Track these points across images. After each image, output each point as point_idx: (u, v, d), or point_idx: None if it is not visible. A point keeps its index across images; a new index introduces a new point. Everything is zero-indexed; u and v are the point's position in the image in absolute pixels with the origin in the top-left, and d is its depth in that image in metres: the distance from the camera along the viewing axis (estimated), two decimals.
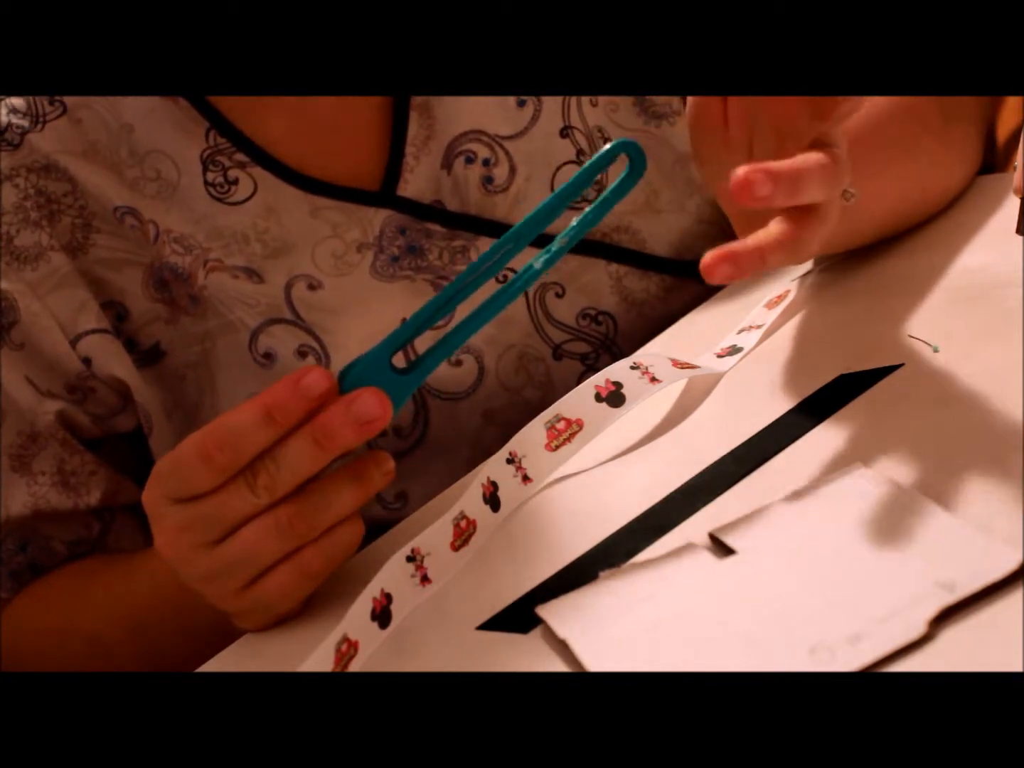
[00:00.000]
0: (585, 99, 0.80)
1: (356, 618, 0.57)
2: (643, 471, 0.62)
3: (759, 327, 0.69)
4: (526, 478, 0.64)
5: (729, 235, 0.62)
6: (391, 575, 0.59)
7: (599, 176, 0.75)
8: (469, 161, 0.79)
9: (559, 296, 0.80)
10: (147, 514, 0.61)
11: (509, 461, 0.64)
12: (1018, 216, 0.63)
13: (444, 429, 0.80)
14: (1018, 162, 0.64)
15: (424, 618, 0.59)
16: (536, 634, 0.53)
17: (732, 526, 0.53)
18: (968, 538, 0.46)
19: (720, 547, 0.52)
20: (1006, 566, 0.44)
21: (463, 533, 0.62)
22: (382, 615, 0.58)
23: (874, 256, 0.72)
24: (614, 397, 0.65)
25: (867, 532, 0.49)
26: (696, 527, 0.55)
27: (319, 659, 0.55)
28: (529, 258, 0.60)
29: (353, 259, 0.78)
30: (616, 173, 0.60)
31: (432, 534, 0.61)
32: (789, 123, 0.57)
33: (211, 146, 0.77)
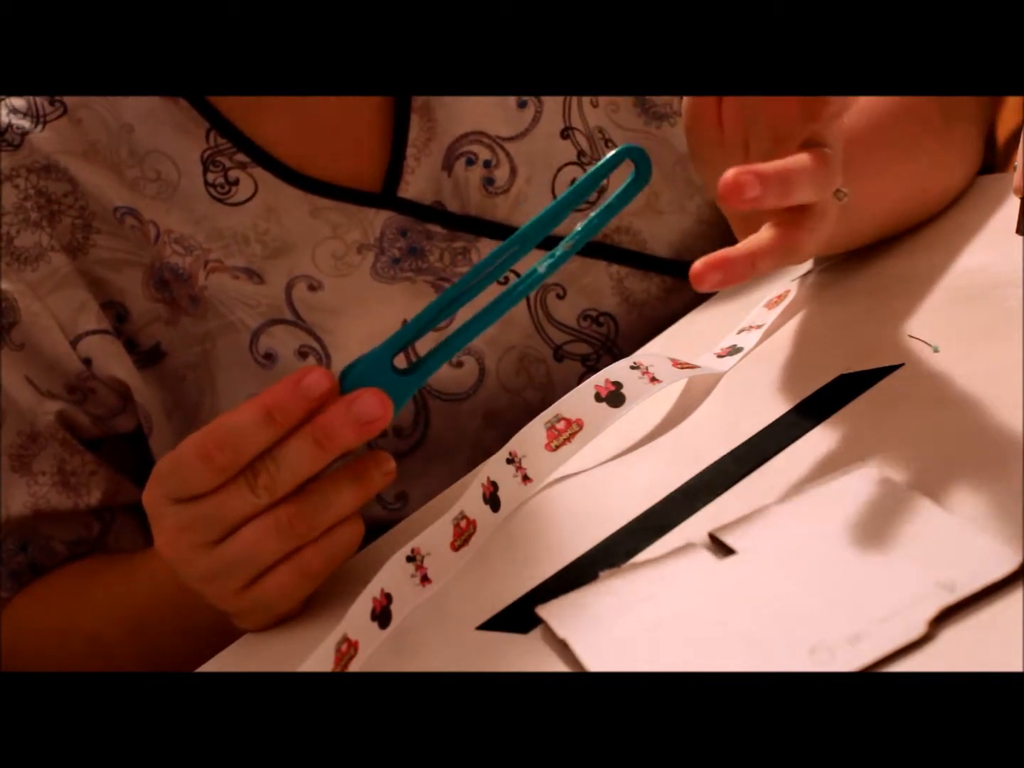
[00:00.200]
0: (586, 100, 0.80)
1: (356, 618, 0.57)
2: (643, 471, 0.62)
3: (759, 327, 0.69)
4: (526, 478, 0.64)
5: (729, 236, 0.62)
6: (391, 575, 0.59)
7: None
8: (470, 163, 0.79)
9: (560, 297, 0.80)
10: (147, 514, 0.61)
11: (509, 461, 0.64)
12: (1018, 216, 0.63)
13: (445, 430, 0.80)
14: (1018, 162, 0.64)
15: (424, 618, 0.59)
16: (536, 634, 0.53)
17: (732, 526, 0.53)
18: (968, 538, 0.46)
19: (720, 547, 0.52)
20: (1006, 566, 0.44)
21: (463, 533, 0.62)
22: (382, 615, 0.58)
23: (874, 256, 0.72)
24: (614, 397, 0.65)
25: (867, 532, 0.49)
26: (696, 527, 0.55)
27: (319, 659, 0.55)
28: (532, 261, 0.60)
29: (353, 260, 0.78)
30: (618, 176, 0.60)
31: (432, 534, 0.61)
32: (783, 124, 0.57)
33: (211, 146, 0.77)
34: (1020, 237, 0.63)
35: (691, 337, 0.75)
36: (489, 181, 0.79)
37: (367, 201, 0.78)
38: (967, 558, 0.45)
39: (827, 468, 0.54)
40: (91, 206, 0.77)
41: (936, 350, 0.60)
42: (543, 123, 0.79)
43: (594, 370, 0.78)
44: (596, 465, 0.64)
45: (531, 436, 0.64)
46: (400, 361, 0.60)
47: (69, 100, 0.77)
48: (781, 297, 0.71)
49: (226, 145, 0.77)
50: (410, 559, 0.60)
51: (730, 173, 0.51)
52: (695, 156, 0.61)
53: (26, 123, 0.77)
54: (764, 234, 0.56)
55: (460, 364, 0.79)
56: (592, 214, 0.59)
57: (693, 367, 0.66)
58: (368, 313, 0.78)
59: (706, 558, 0.52)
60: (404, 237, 0.78)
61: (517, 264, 0.60)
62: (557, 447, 0.64)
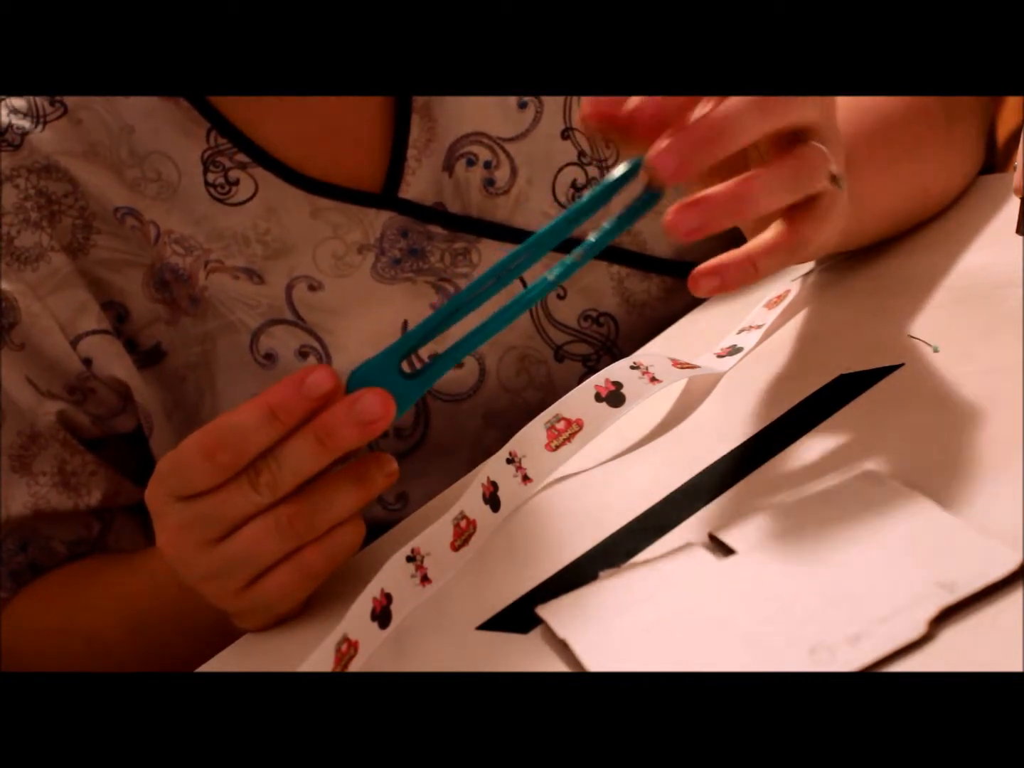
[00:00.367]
0: None
1: (356, 618, 0.57)
2: (643, 471, 0.62)
3: (759, 327, 0.69)
4: (526, 478, 0.64)
5: (730, 236, 0.62)
6: (391, 575, 0.59)
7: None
8: (470, 163, 0.79)
9: (560, 297, 0.80)
10: (150, 512, 0.61)
11: (509, 461, 0.64)
12: (1018, 216, 0.63)
13: (445, 431, 0.80)
14: (1018, 162, 0.64)
15: (424, 618, 0.59)
16: (536, 634, 0.53)
17: (732, 526, 0.53)
18: (968, 538, 0.46)
19: (720, 547, 0.52)
20: (1006, 566, 0.44)
21: (463, 533, 0.62)
22: (382, 615, 0.58)
23: (874, 256, 0.72)
24: (614, 397, 0.65)
25: (867, 532, 0.49)
26: (696, 527, 0.55)
27: (319, 659, 0.55)
28: (540, 268, 0.60)
29: (354, 260, 0.78)
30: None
31: (432, 534, 0.61)
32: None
33: (212, 147, 0.77)
34: (1020, 237, 0.63)
35: (691, 337, 0.75)
36: (490, 182, 0.79)
37: (368, 202, 0.78)
38: (967, 558, 0.45)
39: (827, 468, 0.54)
40: (91, 206, 0.77)
41: (936, 350, 0.60)
42: (543, 124, 0.79)
43: (595, 370, 0.78)
44: (596, 465, 0.64)
45: (531, 436, 0.64)
46: (405, 365, 0.59)
47: (69, 100, 0.77)
48: (781, 297, 0.71)
49: (226, 145, 0.77)
50: (410, 559, 0.60)
51: (669, 213, 0.52)
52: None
53: (26, 123, 0.77)
54: (767, 233, 0.56)
55: (460, 364, 0.79)
56: (605, 224, 0.58)
57: (693, 367, 0.66)
58: (368, 313, 0.78)
59: (706, 558, 0.52)
60: (405, 238, 0.78)
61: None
62: (557, 447, 0.64)
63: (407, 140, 0.78)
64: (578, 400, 0.65)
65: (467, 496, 0.62)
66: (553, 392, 0.79)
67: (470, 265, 0.78)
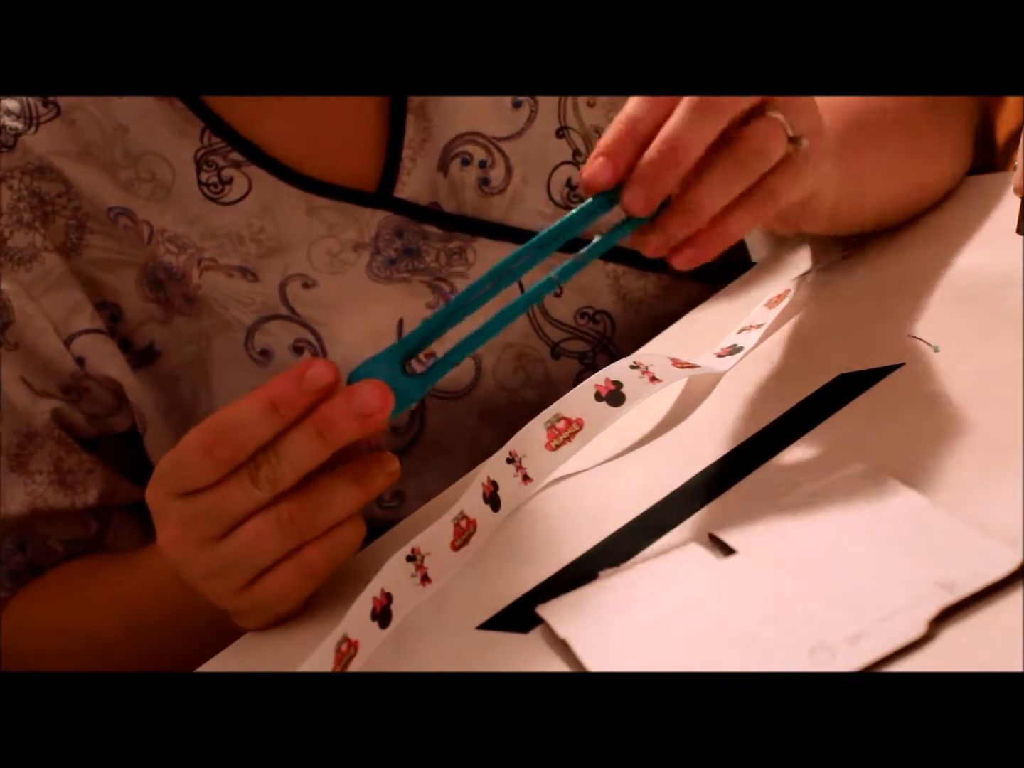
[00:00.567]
0: (581, 99, 0.80)
1: (356, 618, 0.57)
2: (643, 471, 0.62)
3: (759, 327, 0.69)
4: (526, 478, 0.64)
5: None
6: (391, 575, 0.59)
7: None
8: (465, 163, 0.79)
9: (557, 295, 0.80)
10: (151, 511, 0.61)
11: (509, 461, 0.64)
12: (1018, 215, 0.63)
13: (441, 428, 0.80)
14: (1018, 162, 0.64)
15: (424, 618, 0.59)
16: (536, 634, 0.53)
17: (732, 526, 0.53)
18: (968, 538, 0.46)
19: (720, 547, 0.52)
20: (1006, 566, 0.44)
21: (463, 533, 0.62)
22: (382, 615, 0.58)
23: (874, 256, 0.72)
24: (614, 396, 0.65)
25: (867, 532, 0.49)
26: (696, 527, 0.55)
27: (319, 659, 0.55)
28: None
29: (349, 258, 0.78)
30: None
31: (432, 534, 0.61)
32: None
33: (205, 146, 0.77)
34: (1020, 237, 0.63)
35: (691, 337, 0.75)
36: (485, 181, 0.79)
37: (363, 201, 0.78)
38: (967, 558, 0.45)
39: (827, 468, 0.54)
40: (84, 207, 0.77)
41: (936, 350, 0.60)
42: (538, 123, 0.79)
43: (591, 368, 0.78)
44: (596, 465, 0.64)
45: (531, 435, 0.64)
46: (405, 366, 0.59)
47: (63, 101, 0.77)
48: (781, 297, 0.71)
49: (220, 144, 0.77)
50: (410, 559, 0.60)
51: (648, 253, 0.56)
52: None
53: (19, 124, 0.77)
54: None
55: None
56: (614, 225, 0.58)
57: (693, 367, 0.66)
58: (364, 311, 0.78)
59: (706, 558, 0.52)
60: (400, 237, 0.78)
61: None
62: (557, 447, 0.64)
63: (402, 140, 0.78)
64: (578, 399, 0.65)
65: (467, 496, 0.62)
66: (550, 390, 0.79)
67: (465, 264, 0.78)
